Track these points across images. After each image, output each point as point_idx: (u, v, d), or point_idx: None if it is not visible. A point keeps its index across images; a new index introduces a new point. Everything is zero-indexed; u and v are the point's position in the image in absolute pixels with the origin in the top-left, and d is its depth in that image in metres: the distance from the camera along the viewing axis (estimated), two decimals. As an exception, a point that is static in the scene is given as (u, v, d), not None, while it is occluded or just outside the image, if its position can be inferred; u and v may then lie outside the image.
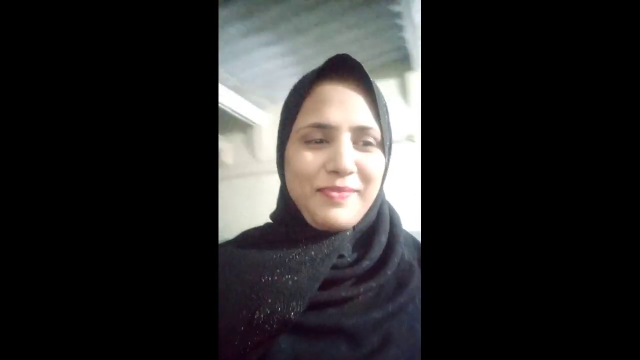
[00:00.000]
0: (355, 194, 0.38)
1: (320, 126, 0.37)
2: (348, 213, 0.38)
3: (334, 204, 0.37)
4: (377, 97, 0.38)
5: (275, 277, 0.35)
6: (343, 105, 0.37)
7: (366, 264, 0.38)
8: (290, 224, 0.42)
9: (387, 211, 0.44)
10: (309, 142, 0.38)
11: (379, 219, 0.42)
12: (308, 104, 0.39)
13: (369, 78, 0.38)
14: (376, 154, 0.38)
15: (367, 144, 0.38)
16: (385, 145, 0.38)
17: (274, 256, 0.38)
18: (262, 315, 0.32)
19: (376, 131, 0.37)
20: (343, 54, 0.38)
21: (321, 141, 0.37)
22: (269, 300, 0.33)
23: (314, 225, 0.39)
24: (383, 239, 0.40)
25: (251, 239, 0.43)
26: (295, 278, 0.35)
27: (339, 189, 0.36)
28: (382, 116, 0.38)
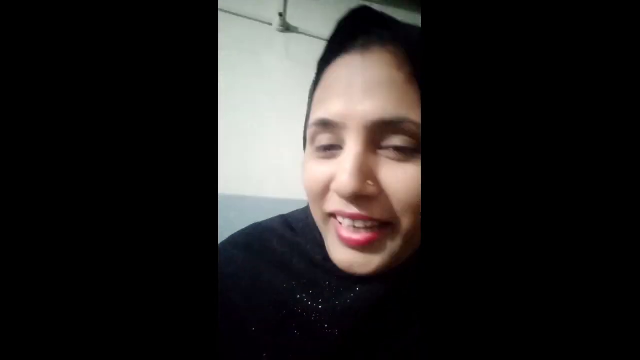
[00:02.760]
0: (388, 230, 0.26)
1: (323, 124, 0.26)
2: (372, 259, 0.26)
3: (351, 246, 0.26)
4: (419, 67, 0.24)
5: (279, 316, 0.28)
6: (352, 89, 0.24)
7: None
8: (312, 245, 0.32)
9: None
10: (319, 149, 0.27)
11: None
12: (318, 92, 0.28)
13: (407, 35, 0.25)
14: (419, 164, 0.24)
15: (401, 148, 0.24)
16: None
17: (285, 286, 0.30)
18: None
19: (418, 125, 0.23)
20: (359, 7, 0.26)
21: (331, 147, 0.26)
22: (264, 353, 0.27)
23: (333, 261, 0.28)
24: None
25: (263, 245, 0.34)
26: (299, 333, 0.27)
27: (352, 216, 0.25)
28: None
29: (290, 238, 0.34)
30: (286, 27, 1.17)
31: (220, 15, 1.11)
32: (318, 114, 0.26)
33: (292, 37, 1.18)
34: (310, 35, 1.18)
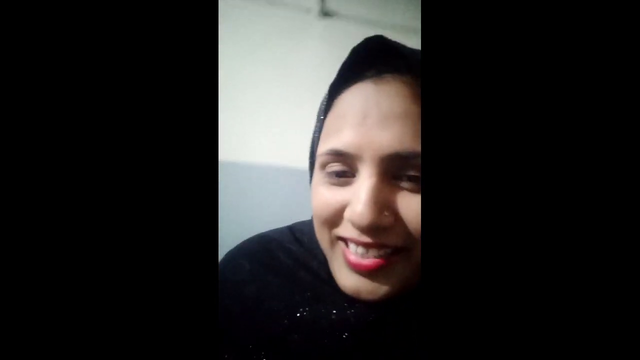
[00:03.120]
0: (401, 255, 0.26)
1: (336, 153, 0.26)
2: (380, 286, 0.26)
3: (358, 271, 0.26)
4: None
5: (280, 329, 0.29)
6: (367, 121, 0.24)
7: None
8: (317, 262, 0.32)
9: None
10: (330, 175, 0.27)
11: None
12: (330, 120, 0.28)
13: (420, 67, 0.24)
14: None
15: (415, 178, 0.24)
16: None
17: (290, 297, 0.30)
18: None
19: None
20: (374, 37, 0.26)
21: (344, 174, 0.26)
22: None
23: (340, 286, 0.28)
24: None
25: (269, 256, 0.35)
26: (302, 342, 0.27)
27: (365, 245, 0.25)
28: None
29: (296, 252, 0.34)
30: (325, 13, 1.18)
31: (263, 4, 1.15)
32: (331, 143, 0.26)
33: (331, 21, 1.19)
34: (348, 20, 1.18)
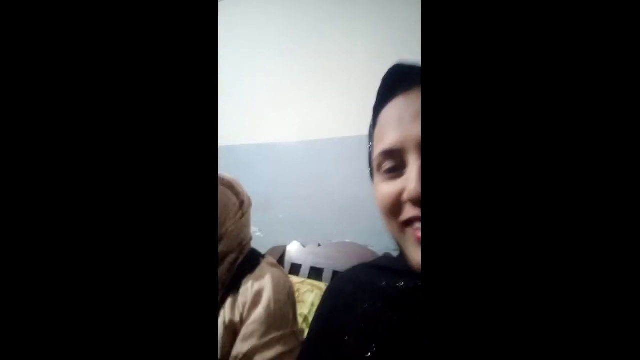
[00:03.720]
0: None
1: (386, 153, 0.33)
2: None
3: None
4: None
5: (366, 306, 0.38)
6: (403, 122, 0.32)
7: None
8: (398, 262, 0.39)
9: None
10: (385, 173, 0.34)
11: None
12: (376, 133, 0.36)
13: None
14: None
15: None
16: None
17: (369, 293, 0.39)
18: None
19: None
20: (395, 65, 0.35)
21: (395, 169, 0.33)
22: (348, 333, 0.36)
23: (415, 268, 0.33)
24: None
25: (360, 271, 0.45)
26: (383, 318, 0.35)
27: None
28: None
29: (379, 263, 0.46)
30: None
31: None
32: (381, 147, 0.34)
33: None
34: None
